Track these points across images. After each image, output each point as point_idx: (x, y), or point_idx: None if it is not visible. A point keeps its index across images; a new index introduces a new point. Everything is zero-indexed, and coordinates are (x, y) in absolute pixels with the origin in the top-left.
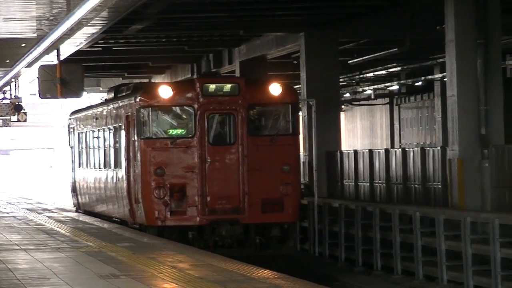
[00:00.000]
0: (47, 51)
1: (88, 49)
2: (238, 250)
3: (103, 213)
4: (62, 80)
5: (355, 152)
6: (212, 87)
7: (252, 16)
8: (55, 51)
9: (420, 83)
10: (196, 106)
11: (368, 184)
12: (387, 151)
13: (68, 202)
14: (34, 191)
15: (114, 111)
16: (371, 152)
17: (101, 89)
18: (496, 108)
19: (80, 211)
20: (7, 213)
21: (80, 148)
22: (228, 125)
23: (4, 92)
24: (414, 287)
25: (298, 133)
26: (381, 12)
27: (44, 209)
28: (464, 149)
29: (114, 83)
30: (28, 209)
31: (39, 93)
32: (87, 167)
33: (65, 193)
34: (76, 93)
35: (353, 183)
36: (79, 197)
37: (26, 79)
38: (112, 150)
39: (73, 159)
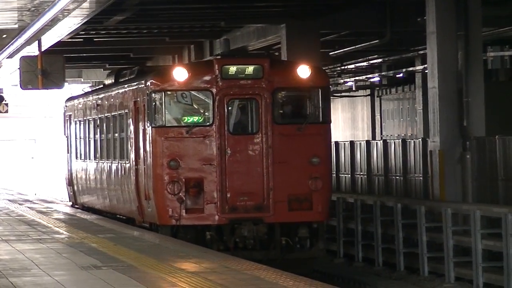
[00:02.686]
0: (28, 42)
1: (69, 40)
2: (262, 252)
3: (105, 209)
4: (43, 71)
5: (337, 143)
6: (232, 69)
7: (233, 7)
8: (37, 42)
9: (401, 74)
10: (214, 90)
11: (349, 175)
12: (368, 143)
13: (48, 193)
14: (15, 182)
15: (119, 97)
16: (352, 143)
17: (82, 80)
18: (477, 100)
19: (76, 206)
20: None
21: (78, 137)
22: (251, 112)
23: None
24: (396, 278)
25: (329, 121)
26: (362, 3)
27: (26, 200)
28: (445, 141)
29: (96, 74)
30: (9, 200)
31: (20, 84)
32: (86, 159)
33: (47, 184)
34: (58, 84)
35: (335, 175)
36: (76, 191)
37: (8, 70)
38: (117, 140)
39: (70, 149)
